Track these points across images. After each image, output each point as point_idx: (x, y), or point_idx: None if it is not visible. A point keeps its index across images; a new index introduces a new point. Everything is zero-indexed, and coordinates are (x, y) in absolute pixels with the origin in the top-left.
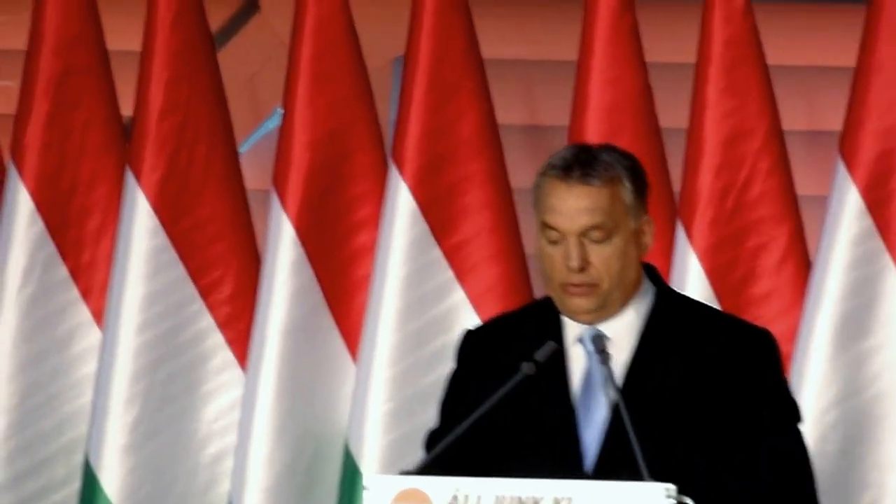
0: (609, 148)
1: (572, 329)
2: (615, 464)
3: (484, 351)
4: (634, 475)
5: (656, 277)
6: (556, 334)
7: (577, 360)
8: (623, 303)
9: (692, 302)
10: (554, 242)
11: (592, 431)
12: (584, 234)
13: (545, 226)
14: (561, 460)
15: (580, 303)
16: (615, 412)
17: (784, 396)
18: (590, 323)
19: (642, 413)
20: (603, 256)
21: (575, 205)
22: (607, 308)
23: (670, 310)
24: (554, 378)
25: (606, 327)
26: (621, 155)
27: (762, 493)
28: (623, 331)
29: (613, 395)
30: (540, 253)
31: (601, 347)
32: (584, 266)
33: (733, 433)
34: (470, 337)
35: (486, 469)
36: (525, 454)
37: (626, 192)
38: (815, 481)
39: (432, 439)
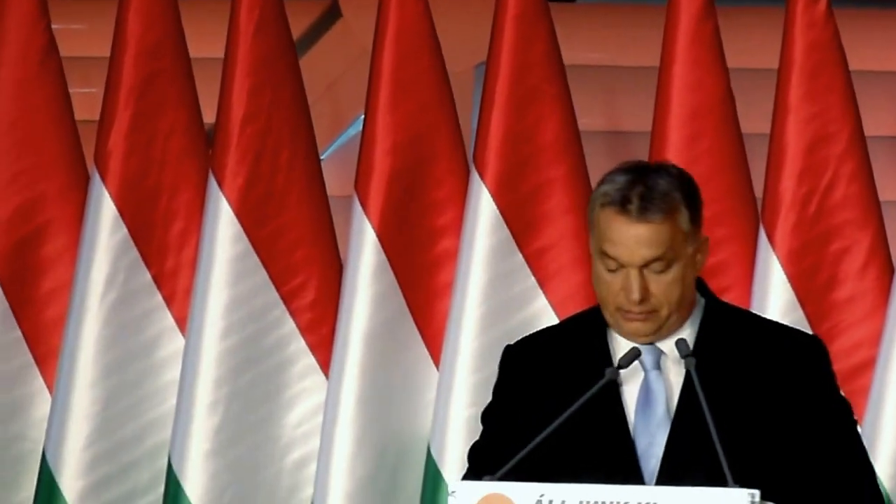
0: (664, 170)
1: (625, 343)
2: (677, 478)
3: (529, 365)
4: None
5: (705, 290)
6: (604, 348)
7: (631, 376)
8: (681, 323)
9: (741, 312)
10: (612, 270)
11: (651, 445)
12: (644, 266)
13: (604, 254)
14: (618, 474)
15: (638, 327)
16: (675, 425)
17: (840, 399)
18: (647, 343)
19: (705, 423)
20: (663, 285)
21: (635, 239)
22: (664, 329)
23: (720, 322)
24: (605, 395)
25: (663, 344)
26: (677, 178)
27: (833, 492)
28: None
29: (704, 404)
30: (595, 275)
31: (686, 352)
32: (644, 297)
33: (797, 438)
34: (512, 351)
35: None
36: (579, 469)
37: (684, 219)
38: (875, 476)
39: (477, 454)
